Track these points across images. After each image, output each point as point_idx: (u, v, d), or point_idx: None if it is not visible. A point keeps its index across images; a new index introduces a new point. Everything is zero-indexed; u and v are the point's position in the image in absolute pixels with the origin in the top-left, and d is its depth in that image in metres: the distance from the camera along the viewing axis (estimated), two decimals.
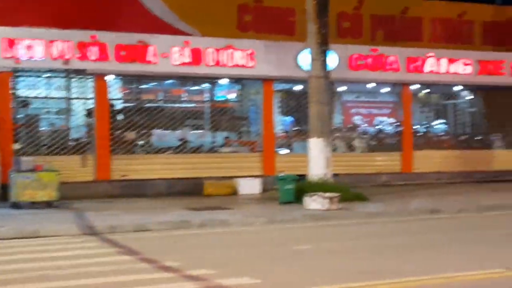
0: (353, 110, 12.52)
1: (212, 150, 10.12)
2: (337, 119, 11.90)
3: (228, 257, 4.83)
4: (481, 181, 11.50)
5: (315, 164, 8.55)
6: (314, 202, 7.62)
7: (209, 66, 9.60)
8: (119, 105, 9.49)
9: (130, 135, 8.90)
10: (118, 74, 9.32)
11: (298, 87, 10.78)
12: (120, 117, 8.91)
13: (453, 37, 12.17)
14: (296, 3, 10.07)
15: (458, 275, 3.87)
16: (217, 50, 9.59)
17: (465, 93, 12.74)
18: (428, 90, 12.47)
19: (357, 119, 12.37)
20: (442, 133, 12.54)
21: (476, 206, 8.29)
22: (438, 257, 4.74)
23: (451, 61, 11.48)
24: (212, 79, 10.22)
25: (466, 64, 11.63)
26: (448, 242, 5.69)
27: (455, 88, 12.39)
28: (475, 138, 12.37)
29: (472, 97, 12.94)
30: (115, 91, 9.43)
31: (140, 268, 4.35)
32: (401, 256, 4.81)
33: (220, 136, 10.16)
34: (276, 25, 10.66)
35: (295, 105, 10.75)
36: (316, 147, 8.59)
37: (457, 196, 9.44)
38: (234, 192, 9.37)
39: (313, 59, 8.66)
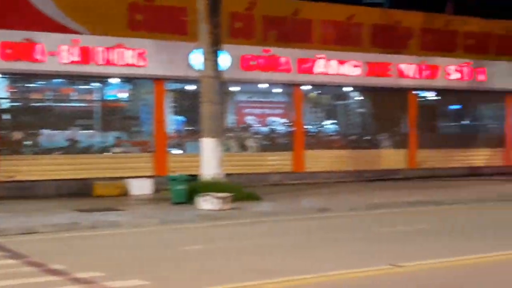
0: (246, 110, 18.55)
1: (102, 150, 14.83)
2: (230, 119, 17.67)
3: (118, 259, 6.75)
4: (369, 180, 17.79)
5: (207, 164, 12.70)
6: (206, 202, 11.19)
7: (99, 65, 14.28)
8: (5, 104, 13.84)
9: (17, 135, 13.46)
10: (4, 73, 13.43)
11: (190, 87, 15.93)
12: (6, 116, 13.41)
13: (343, 39, 18.68)
14: (188, 3, 14.98)
15: (344, 272, 5.71)
16: (107, 49, 14.41)
17: (354, 94, 19.60)
18: (319, 91, 19.02)
19: (249, 119, 18.35)
20: (333, 133, 19.12)
21: (365, 205, 12.55)
22: (326, 255, 6.93)
23: (340, 62, 17.91)
24: (103, 78, 15.03)
25: (355, 66, 18.24)
26: (337, 240, 8.32)
27: (345, 89, 19.22)
28: (364, 138, 19.14)
29: (361, 98, 19.93)
30: (1, 90, 13.85)
31: (26, 272, 5.90)
32: (290, 255, 6.97)
33: (111, 136, 14.89)
34: (168, 25, 15.69)
35: (188, 105, 15.93)
36: (209, 147, 12.73)
37: (347, 195, 14.49)
38: (125, 193, 13.90)
39: (205, 59, 12.99)
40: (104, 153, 15.20)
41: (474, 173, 19.98)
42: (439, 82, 19.70)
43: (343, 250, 7.54)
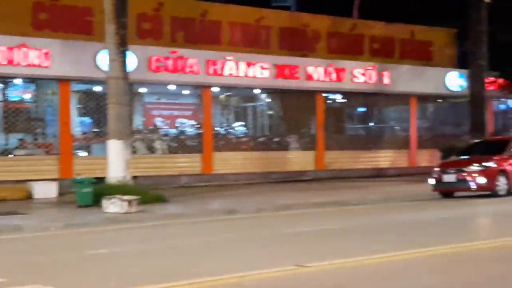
0: (154, 112, 20.86)
1: (5, 152, 16.44)
2: (138, 120, 19.83)
3: (19, 264, 7.14)
4: (278, 182, 20.63)
5: (114, 167, 14.01)
6: (113, 205, 12.21)
7: (1, 65, 15.95)
8: None
9: None
10: None
11: (97, 88, 17.89)
12: None
13: (252, 42, 21.49)
14: (94, 3, 16.90)
15: (250, 274, 6.24)
16: (10, 48, 16.07)
17: (263, 96, 22.49)
18: (228, 93, 21.80)
19: (158, 121, 20.66)
20: (242, 135, 21.80)
21: (273, 206, 13.96)
22: (232, 257, 7.60)
23: (249, 64, 20.57)
24: (5, 79, 16.67)
25: (263, 68, 21.01)
26: (243, 242, 9.16)
27: (254, 91, 22.01)
28: (273, 140, 21.97)
29: (270, 100, 23.11)
30: None
31: None
32: (197, 257, 7.60)
33: (14, 138, 16.53)
34: (73, 25, 17.50)
35: (95, 106, 17.78)
36: (115, 149, 14.04)
37: (255, 196, 16.30)
38: (28, 196, 15.38)
39: (111, 60, 14.27)
40: (7, 156, 16.91)
41: (380, 174, 23.51)
42: (346, 84, 23.05)
43: (250, 251, 8.32)
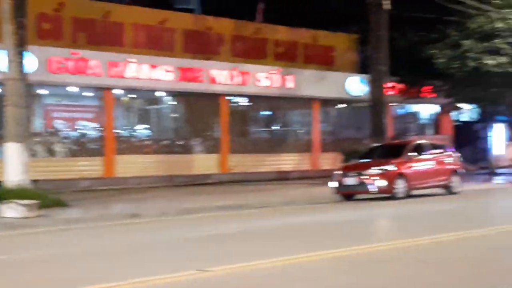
0: (54, 114, 22.29)
1: None
2: (37, 123, 21.19)
3: None
4: (182, 185, 22.52)
5: (11, 170, 14.71)
6: (10, 210, 12.76)
7: None
8: None
9: None
10: None
11: None
12: None
13: (155, 44, 23.32)
14: None
15: (150, 279, 6.68)
16: None
17: (167, 98, 24.54)
18: (131, 95, 23.59)
19: (58, 123, 22.15)
20: (145, 138, 23.70)
21: (176, 210, 14.97)
22: (133, 262, 8.07)
23: (152, 67, 22.54)
24: None
25: (167, 71, 23.08)
26: (145, 246, 9.86)
27: (158, 94, 24.00)
28: (177, 143, 24.00)
29: (174, 103, 25.20)
30: None
31: None
32: (96, 262, 8.05)
33: None
34: None
35: None
36: (13, 152, 14.74)
37: (158, 200, 17.42)
38: None
39: (9, 61, 15.00)
40: None
41: (283, 177, 25.91)
42: (250, 88, 25.53)
43: (151, 256, 8.81)
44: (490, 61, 25.84)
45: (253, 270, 7.42)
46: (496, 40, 26.02)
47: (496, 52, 25.97)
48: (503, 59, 25.83)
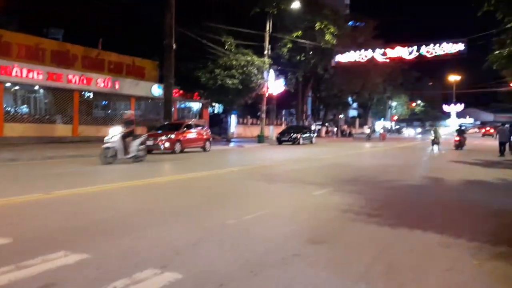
0: None
1: None
2: None
3: None
4: (48, 142, 26.42)
5: None
6: None
7: None
8: None
9: None
10: None
11: None
12: None
13: (32, 57, 26.24)
14: None
15: (10, 199, 7.28)
16: None
17: (41, 91, 27.38)
18: (16, 88, 26.79)
19: None
20: (25, 113, 26.40)
21: (42, 156, 16.10)
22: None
23: (30, 71, 25.93)
24: None
25: (39, 73, 26.88)
26: (13, 178, 10.61)
27: (34, 88, 26.73)
28: (46, 117, 27.06)
29: (46, 93, 29.21)
30: None
31: None
32: None
33: None
34: None
35: None
36: None
37: (30, 151, 19.53)
38: None
39: None
40: None
41: None
42: (92, 87, 28.87)
43: (16, 185, 9.43)
44: (229, 81, 32.54)
45: (76, 194, 8.29)
46: (232, 70, 32.76)
47: (232, 76, 32.69)
48: (236, 81, 32.63)
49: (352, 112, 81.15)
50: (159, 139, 20.28)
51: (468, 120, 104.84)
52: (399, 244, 5.90)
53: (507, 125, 30.12)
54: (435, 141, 27.73)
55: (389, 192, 10.43)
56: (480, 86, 70.57)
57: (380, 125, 74.47)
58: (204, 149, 23.01)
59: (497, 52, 24.01)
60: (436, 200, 9.61)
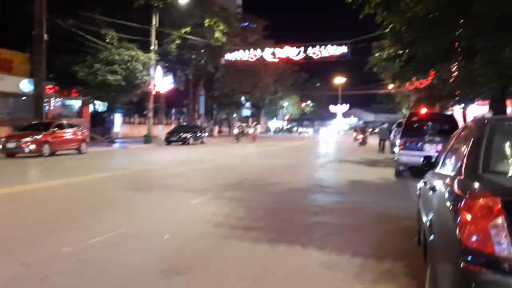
0: None
1: None
2: None
3: None
4: None
5: None
6: None
7: None
8: None
9: None
10: None
11: None
12: None
13: None
14: None
15: None
16: None
17: None
18: None
19: None
20: None
21: None
22: None
23: None
24: None
25: None
26: None
27: None
28: None
29: None
30: None
31: None
32: None
33: None
34: None
35: None
36: None
37: None
38: None
39: None
40: None
41: None
42: None
43: None
44: (110, 77, 30.18)
45: None
46: (114, 66, 30.47)
47: (114, 72, 30.39)
48: (118, 77, 30.40)
49: (246, 112, 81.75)
50: (22, 141, 18.55)
51: (353, 120, 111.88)
52: (278, 267, 4.98)
53: (385, 125, 32.16)
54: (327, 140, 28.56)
55: (272, 198, 9.60)
56: (363, 88, 75.26)
57: (272, 124, 75.95)
58: (79, 151, 21.47)
59: (377, 55, 24.98)
60: (320, 206, 8.97)
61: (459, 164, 3.58)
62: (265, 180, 12.57)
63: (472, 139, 3.56)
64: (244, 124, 51.69)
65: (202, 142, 34.77)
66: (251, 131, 43.06)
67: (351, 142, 38.15)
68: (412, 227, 6.60)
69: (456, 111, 30.70)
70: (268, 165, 17.55)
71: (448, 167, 4.18)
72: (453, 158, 4.23)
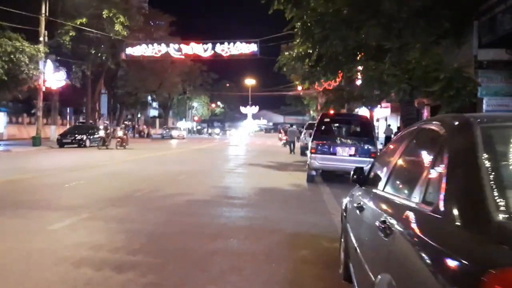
0: None
1: None
2: None
3: None
4: None
5: None
6: None
7: None
8: None
9: None
10: None
11: None
12: None
13: None
14: None
15: None
16: None
17: None
18: None
19: None
20: None
21: None
22: None
23: None
24: None
25: None
26: None
27: None
28: None
29: None
30: None
31: None
32: None
33: None
34: None
35: None
36: None
37: None
38: None
39: None
40: None
41: None
42: None
43: None
44: None
45: None
46: None
47: None
48: None
49: (153, 112, 78.29)
50: None
51: (262, 122, 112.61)
52: None
53: (294, 126, 32.58)
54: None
55: (165, 216, 7.79)
56: (273, 89, 75.61)
57: (182, 125, 73.47)
58: None
59: (286, 53, 24.09)
60: (223, 224, 7.36)
61: (432, 190, 2.12)
62: (161, 191, 10.70)
63: (454, 151, 2.11)
64: (127, 122, 46.55)
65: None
66: (119, 133, 30.48)
67: (261, 144, 37.31)
68: (334, 251, 5.28)
69: (362, 112, 31.00)
70: (170, 171, 15.62)
71: (403, 190, 2.74)
72: (408, 176, 2.81)
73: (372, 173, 4.02)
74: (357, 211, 3.62)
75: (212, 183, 12.61)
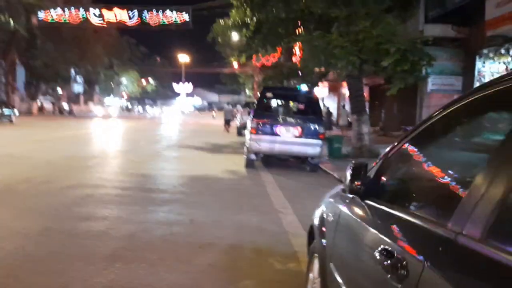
0: None
1: None
2: None
3: None
4: None
5: None
6: None
7: None
8: None
9: None
10: None
11: None
12: None
13: None
14: None
15: None
16: None
17: None
18: None
19: None
20: None
21: None
22: None
23: None
24: None
25: None
26: None
27: None
28: None
29: None
30: None
31: None
32: None
33: None
34: None
35: None
36: None
37: None
38: None
39: None
40: None
41: None
42: None
43: None
44: None
45: None
46: None
47: None
48: None
49: (78, 88, 72.58)
50: None
51: (197, 100, 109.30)
52: None
53: (229, 105, 32.07)
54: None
55: (42, 224, 5.42)
56: (208, 66, 72.64)
57: (110, 102, 68.72)
58: None
59: (221, 21, 21.84)
60: (130, 235, 5.15)
61: None
62: (57, 181, 8.22)
63: None
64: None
65: (11, 122, 28.29)
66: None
67: (195, 123, 35.00)
68: (291, 277, 3.39)
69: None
70: (81, 154, 12.96)
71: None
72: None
73: (383, 179, 2.05)
74: (350, 234, 1.81)
75: (129, 170, 10.25)
